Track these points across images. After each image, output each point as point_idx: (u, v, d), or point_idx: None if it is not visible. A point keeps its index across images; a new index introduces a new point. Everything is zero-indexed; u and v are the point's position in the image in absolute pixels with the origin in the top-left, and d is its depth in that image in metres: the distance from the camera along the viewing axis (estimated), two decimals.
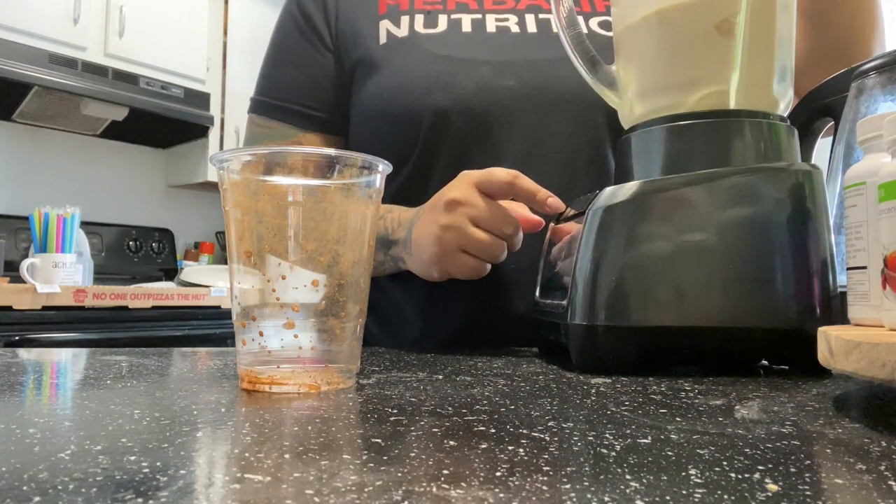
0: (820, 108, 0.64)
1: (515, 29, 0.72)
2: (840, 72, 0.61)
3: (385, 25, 0.72)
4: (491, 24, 0.72)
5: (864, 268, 0.38)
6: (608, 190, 0.47)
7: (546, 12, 0.74)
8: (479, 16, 0.72)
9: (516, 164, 0.67)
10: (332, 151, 0.37)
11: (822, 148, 0.66)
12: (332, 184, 0.37)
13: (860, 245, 0.38)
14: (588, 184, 0.68)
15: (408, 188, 0.70)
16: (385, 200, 0.68)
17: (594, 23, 0.73)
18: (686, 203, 0.45)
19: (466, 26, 0.71)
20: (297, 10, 0.77)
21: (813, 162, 0.59)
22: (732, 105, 0.49)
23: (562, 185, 0.65)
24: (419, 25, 0.71)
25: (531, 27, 0.73)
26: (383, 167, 0.39)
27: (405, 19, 0.72)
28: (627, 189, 0.46)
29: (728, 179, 0.45)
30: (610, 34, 0.72)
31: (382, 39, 0.71)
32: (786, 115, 0.51)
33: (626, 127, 0.53)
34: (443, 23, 0.71)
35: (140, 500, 0.17)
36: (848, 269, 0.40)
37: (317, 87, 0.75)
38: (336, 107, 0.75)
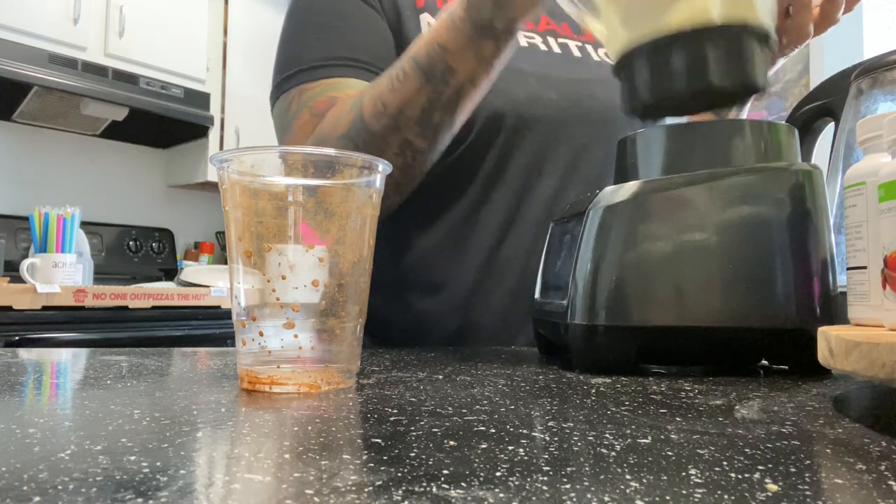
0: (820, 108, 0.64)
1: (543, 48, 0.76)
2: (840, 71, 0.61)
3: (426, 19, 0.73)
4: (522, 39, 0.75)
5: (864, 268, 0.38)
6: (608, 190, 0.47)
7: (563, 37, 0.79)
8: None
9: (562, 170, 0.71)
10: (331, 151, 0.37)
11: (822, 148, 0.66)
12: (332, 184, 0.37)
13: (860, 245, 0.38)
14: None
15: (453, 177, 0.71)
16: (432, 181, 0.66)
17: (601, 52, 0.78)
18: (686, 203, 0.45)
19: None
20: None
21: (813, 162, 0.59)
22: (715, 17, 0.45)
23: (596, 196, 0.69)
24: None
25: (556, 48, 0.77)
26: (383, 167, 0.39)
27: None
28: (627, 189, 0.46)
29: (728, 179, 0.45)
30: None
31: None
32: (770, 28, 0.48)
33: (613, 58, 0.51)
34: None
35: (140, 500, 0.17)
36: (848, 269, 0.40)
37: (384, 46, 0.71)
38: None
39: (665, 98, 0.47)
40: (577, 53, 0.77)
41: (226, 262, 2.17)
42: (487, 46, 0.56)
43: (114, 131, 2.54)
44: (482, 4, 0.54)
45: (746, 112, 0.77)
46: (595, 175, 0.72)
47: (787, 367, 0.47)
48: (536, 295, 0.57)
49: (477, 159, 0.71)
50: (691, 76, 0.46)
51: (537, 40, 0.77)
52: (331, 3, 0.72)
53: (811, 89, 0.66)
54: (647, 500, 0.18)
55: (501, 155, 0.70)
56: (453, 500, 0.18)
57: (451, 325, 0.72)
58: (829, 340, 0.34)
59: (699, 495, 0.18)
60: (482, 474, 0.20)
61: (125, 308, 1.83)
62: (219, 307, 2.03)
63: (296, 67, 0.70)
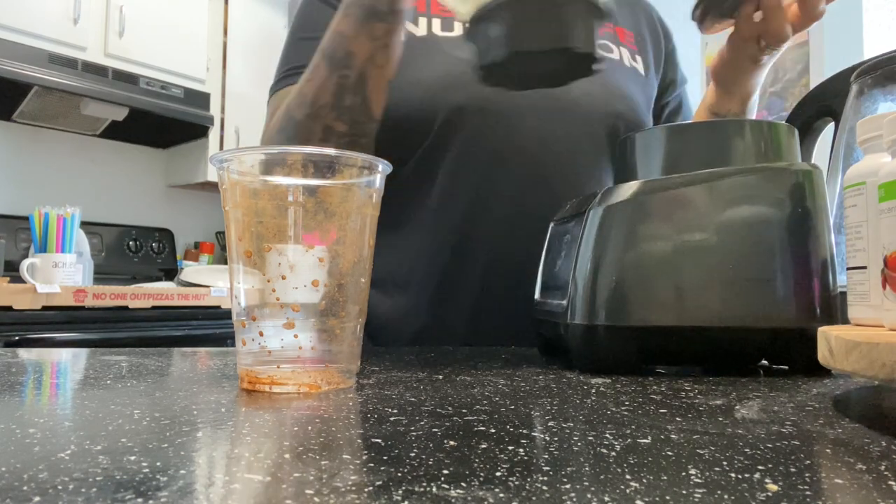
0: (820, 108, 0.64)
1: None
2: (840, 71, 0.61)
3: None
4: None
5: (864, 268, 0.38)
6: (608, 190, 0.47)
7: None
8: None
9: (523, 160, 0.71)
10: (331, 151, 0.37)
11: (822, 148, 0.66)
12: (332, 184, 0.37)
13: (860, 245, 0.38)
14: (588, 189, 0.71)
15: (417, 174, 0.73)
16: (392, 186, 0.67)
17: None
18: (686, 203, 0.45)
19: None
20: None
21: (813, 162, 0.59)
22: None
23: (564, 186, 0.70)
24: (436, 28, 0.75)
25: None
26: (383, 167, 0.39)
27: (423, 20, 0.75)
28: (627, 189, 0.46)
29: (728, 179, 0.45)
30: (609, 55, 0.78)
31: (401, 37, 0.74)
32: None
33: (465, 21, 0.51)
34: (458, 28, 0.75)
35: (140, 500, 0.17)
36: (848, 269, 0.40)
37: None
38: None
39: (500, 62, 0.48)
40: None
41: (226, 262, 2.17)
42: (378, 27, 0.60)
43: (114, 131, 2.54)
44: None
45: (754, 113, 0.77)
46: (561, 166, 0.72)
47: (787, 367, 0.47)
48: (536, 295, 0.58)
49: (439, 155, 0.72)
50: (514, 39, 0.47)
51: None
52: (316, 16, 0.76)
53: (811, 89, 0.66)
54: (647, 500, 0.18)
55: (464, 150, 0.71)
56: (453, 500, 0.18)
57: (418, 322, 0.72)
58: (829, 340, 0.34)
59: (699, 495, 0.18)
60: (482, 474, 0.20)
61: (125, 308, 1.83)
62: (219, 307, 2.03)
63: (280, 75, 0.76)
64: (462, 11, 0.49)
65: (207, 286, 2.06)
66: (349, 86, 0.61)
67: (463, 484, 0.19)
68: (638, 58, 0.82)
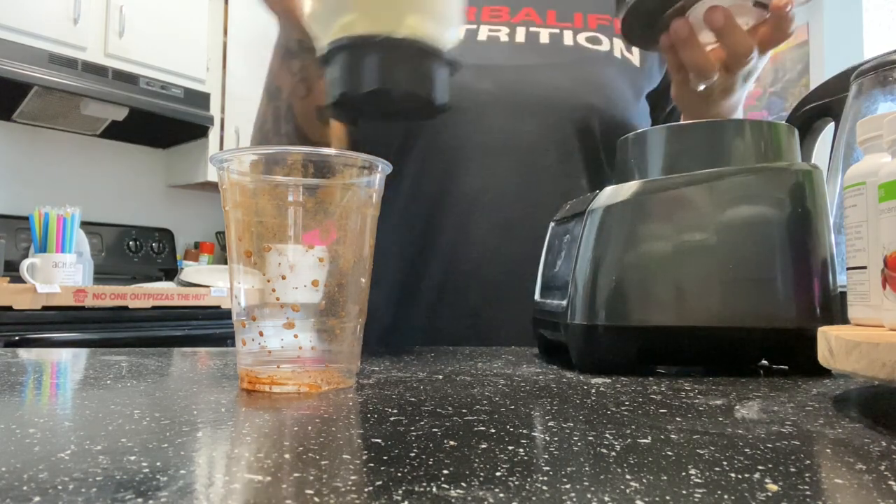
0: (820, 108, 0.64)
1: (505, 39, 0.77)
2: (840, 72, 0.61)
3: None
4: (483, 33, 0.77)
5: (864, 268, 0.38)
6: (608, 190, 0.47)
7: (537, 26, 0.79)
8: (474, 27, 0.77)
9: (484, 157, 0.71)
10: (332, 151, 0.37)
11: (822, 148, 0.66)
12: (332, 184, 0.37)
13: (860, 245, 0.38)
14: (553, 185, 0.71)
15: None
16: None
17: (582, 38, 0.78)
18: (686, 203, 0.45)
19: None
20: None
21: (813, 162, 0.59)
22: (363, 30, 0.48)
23: (528, 184, 0.70)
24: None
25: (520, 38, 0.77)
26: (383, 167, 0.39)
27: None
28: (627, 189, 0.46)
29: (728, 179, 0.45)
30: (596, 48, 0.77)
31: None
32: (435, 45, 0.51)
33: (320, 51, 0.53)
34: None
35: (140, 500, 0.17)
36: (848, 269, 0.40)
37: None
38: None
39: (346, 98, 0.51)
40: (543, 40, 0.77)
41: (226, 262, 2.17)
42: (293, 64, 0.66)
43: (114, 131, 2.54)
44: (280, 31, 0.65)
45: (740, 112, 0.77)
46: (522, 163, 0.72)
47: (787, 367, 0.47)
48: (536, 295, 0.58)
49: (406, 155, 0.73)
50: (345, 81, 0.50)
51: (502, 32, 0.77)
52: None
53: (811, 89, 0.66)
54: (647, 500, 0.18)
55: (427, 149, 0.72)
56: (453, 500, 0.18)
57: (385, 320, 0.73)
58: (829, 340, 0.34)
59: (699, 495, 0.18)
60: (482, 474, 0.20)
61: (125, 308, 1.83)
62: (219, 307, 2.03)
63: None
64: (324, 43, 0.51)
65: (207, 286, 2.06)
66: (282, 115, 0.68)
67: (463, 484, 0.19)
68: (634, 49, 0.81)
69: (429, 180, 0.72)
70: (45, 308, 1.69)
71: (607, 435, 0.26)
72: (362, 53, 0.49)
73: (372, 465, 0.21)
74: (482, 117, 0.71)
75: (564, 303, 0.47)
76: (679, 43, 0.57)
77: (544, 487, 0.19)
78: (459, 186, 0.71)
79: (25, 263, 1.74)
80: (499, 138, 0.72)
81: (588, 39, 0.77)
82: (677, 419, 0.29)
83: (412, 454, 0.22)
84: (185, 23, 2.49)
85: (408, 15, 0.48)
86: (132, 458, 0.22)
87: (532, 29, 0.78)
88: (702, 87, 0.61)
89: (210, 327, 1.99)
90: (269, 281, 0.37)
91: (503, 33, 0.77)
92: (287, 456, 0.22)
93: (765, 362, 0.49)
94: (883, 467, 0.21)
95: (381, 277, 0.74)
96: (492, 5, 0.79)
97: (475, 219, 0.70)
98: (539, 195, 0.70)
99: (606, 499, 0.18)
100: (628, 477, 0.20)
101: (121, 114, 2.35)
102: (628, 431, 0.26)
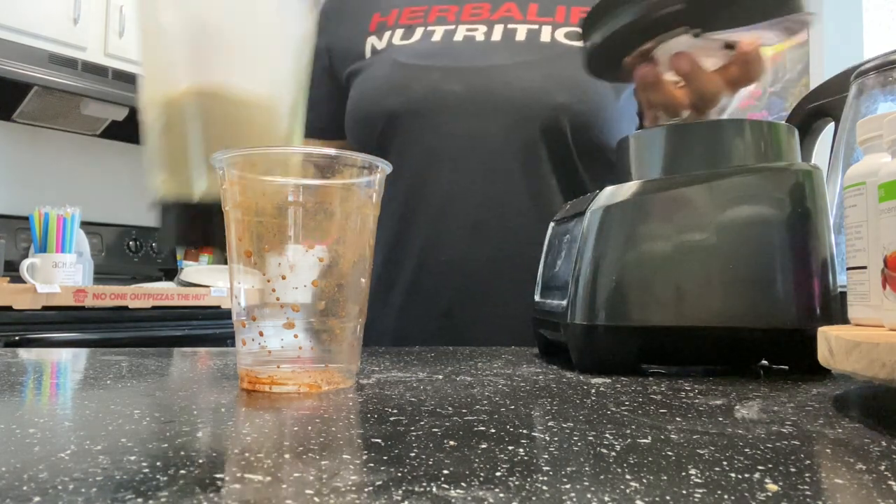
0: (820, 108, 0.64)
1: (481, 38, 0.77)
2: (840, 72, 0.61)
3: (371, 41, 0.78)
4: (460, 34, 0.77)
5: (864, 268, 0.38)
6: (608, 190, 0.47)
7: (516, 22, 0.78)
8: (452, 27, 0.77)
9: (452, 162, 0.71)
10: (332, 151, 0.37)
11: (822, 148, 0.66)
12: (332, 184, 0.37)
13: (860, 245, 0.38)
14: (520, 186, 0.72)
15: None
16: None
17: (560, 33, 0.77)
18: (686, 203, 0.45)
19: (437, 36, 0.76)
20: None
21: (813, 162, 0.59)
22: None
23: (495, 186, 0.71)
24: (397, 38, 0.76)
25: (496, 36, 0.77)
26: (383, 167, 0.39)
27: (388, 34, 0.77)
28: (627, 189, 0.46)
29: (728, 179, 0.45)
30: (572, 43, 0.75)
31: (368, 54, 0.78)
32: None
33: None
34: (418, 34, 0.76)
35: (140, 500, 0.17)
36: (848, 269, 0.40)
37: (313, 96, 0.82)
38: (329, 115, 0.81)
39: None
40: (519, 37, 0.76)
41: (226, 262, 2.17)
42: None
43: (114, 131, 2.54)
44: None
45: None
46: (488, 165, 0.71)
47: (787, 367, 0.47)
48: (536, 295, 0.58)
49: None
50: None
51: (479, 31, 0.77)
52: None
53: (811, 89, 0.66)
54: (647, 500, 0.18)
55: (399, 154, 0.72)
56: (453, 500, 0.18)
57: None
58: (829, 340, 0.34)
59: (699, 495, 0.18)
60: (482, 474, 0.20)
61: (125, 308, 1.83)
62: (219, 307, 2.02)
63: None
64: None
65: (207, 286, 2.06)
66: None
67: (463, 484, 0.19)
68: None
69: (401, 184, 0.73)
70: (45, 308, 1.68)
71: (607, 435, 0.26)
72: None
73: (372, 465, 0.21)
74: (451, 120, 0.72)
75: (564, 303, 0.47)
76: (646, 86, 0.57)
77: (544, 487, 0.19)
78: (429, 189, 0.72)
79: (25, 263, 1.74)
80: (467, 141, 0.72)
81: (567, 35, 0.77)
82: (677, 419, 0.29)
83: (412, 454, 0.22)
84: None
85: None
86: (132, 458, 0.22)
87: (510, 26, 0.78)
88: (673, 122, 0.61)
89: (210, 327, 1.99)
90: (269, 281, 0.37)
91: (480, 32, 0.77)
92: (287, 456, 0.22)
93: (765, 362, 0.49)
94: (883, 467, 0.21)
95: None
96: (474, 2, 0.78)
97: (445, 222, 0.71)
98: (506, 197, 0.71)
99: (606, 499, 0.18)
100: (628, 477, 0.20)
101: (121, 114, 2.34)
102: (628, 431, 0.26)
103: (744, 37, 0.53)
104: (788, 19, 0.51)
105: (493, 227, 0.70)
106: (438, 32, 0.76)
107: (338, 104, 0.80)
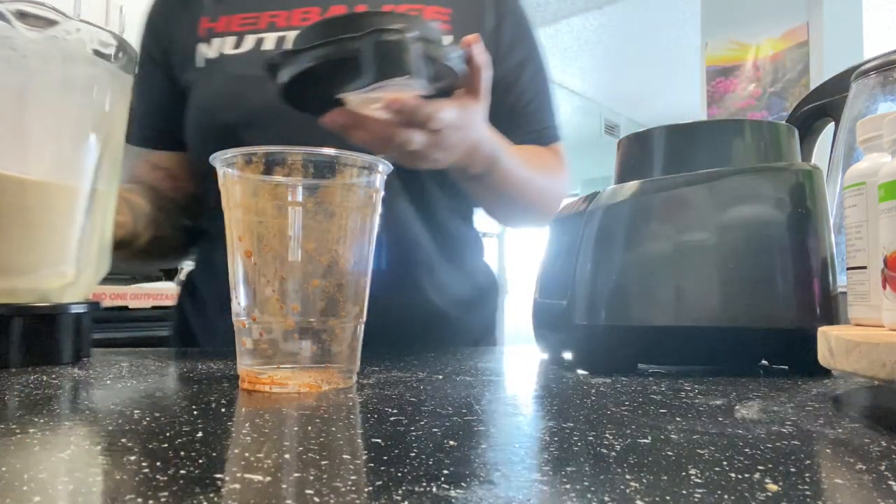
0: (820, 108, 0.64)
1: None
2: (840, 72, 0.61)
3: (201, 49, 0.76)
4: (289, 41, 0.75)
5: (864, 268, 0.38)
6: (608, 190, 0.47)
7: None
8: (284, 34, 0.75)
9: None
10: (332, 151, 0.37)
11: (822, 148, 0.66)
12: (332, 184, 0.37)
13: (860, 245, 0.38)
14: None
15: (207, 193, 0.74)
16: (203, 204, 0.75)
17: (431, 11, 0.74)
18: (686, 203, 0.45)
19: (269, 45, 0.74)
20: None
21: (813, 162, 0.59)
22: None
23: None
24: (227, 48, 0.74)
25: None
26: (383, 167, 0.39)
27: (217, 41, 0.75)
28: (627, 189, 0.46)
29: (728, 179, 0.45)
30: None
31: (199, 63, 0.76)
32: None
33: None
34: (249, 43, 0.74)
35: (140, 500, 0.17)
36: (848, 269, 0.40)
37: (152, 104, 0.80)
38: (170, 122, 0.78)
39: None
40: None
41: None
42: None
43: None
44: None
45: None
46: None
47: (787, 367, 0.47)
48: (536, 295, 0.58)
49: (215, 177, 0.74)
50: None
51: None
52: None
53: (811, 89, 0.66)
54: (647, 500, 0.18)
55: None
56: (453, 500, 0.18)
57: (219, 331, 0.74)
58: (829, 340, 0.34)
59: (699, 495, 0.18)
60: (482, 474, 0.20)
61: (125, 308, 1.83)
62: None
63: None
64: None
65: None
66: None
67: (463, 484, 0.19)
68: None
69: None
70: None
71: (607, 435, 0.26)
72: None
73: (372, 465, 0.21)
74: (290, 133, 0.69)
75: (564, 303, 0.47)
76: (343, 132, 0.55)
77: (544, 487, 0.19)
78: None
79: None
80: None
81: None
82: (677, 419, 0.29)
83: (412, 454, 0.22)
84: None
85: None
86: (132, 458, 0.22)
87: None
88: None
89: None
90: (269, 281, 0.37)
91: None
92: (287, 456, 0.22)
93: (765, 362, 0.49)
94: (883, 467, 0.21)
95: (206, 298, 0.76)
96: (303, 7, 0.76)
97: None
98: None
99: (606, 499, 0.18)
100: (628, 477, 0.20)
101: None
102: (628, 431, 0.26)
103: (386, 94, 0.52)
104: (400, 81, 0.50)
105: None
106: (270, 40, 0.74)
107: (176, 112, 0.77)
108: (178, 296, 0.84)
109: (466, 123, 0.57)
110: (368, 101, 0.53)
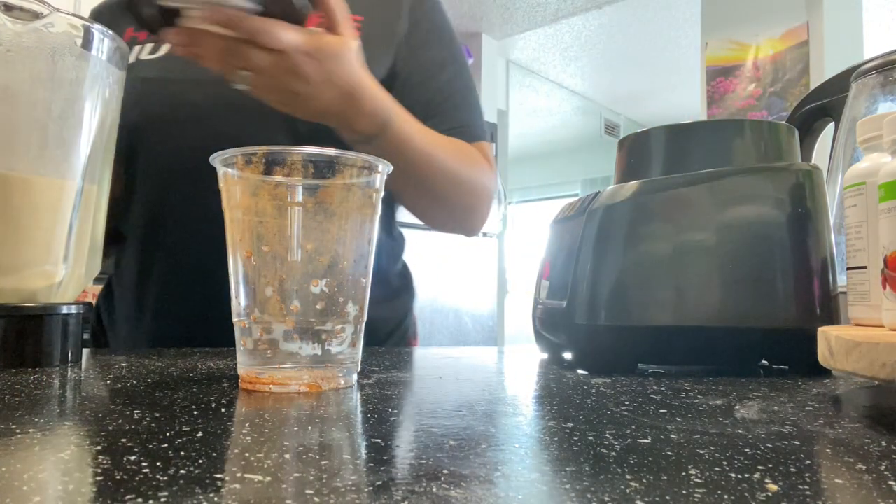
0: (820, 108, 0.64)
1: None
2: (840, 72, 0.61)
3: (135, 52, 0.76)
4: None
5: (864, 268, 0.38)
6: (608, 190, 0.47)
7: None
8: None
9: (194, 171, 0.62)
10: (332, 151, 0.37)
11: (822, 148, 0.66)
12: (332, 184, 0.37)
13: (860, 245, 0.38)
14: None
15: (127, 192, 0.75)
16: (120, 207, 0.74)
17: None
18: (686, 203, 0.45)
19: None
20: None
21: (813, 162, 0.59)
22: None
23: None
24: (145, 53, 0.75)
25: None
26: (383, 167, 0.39)
27: (137, 49, 0.76)
28: (627, 189, 0.46)
29: (728, 179, 0.45)
30: None
31: None
32: None
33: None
34: (164, 48, 0.75)
35: (140, 500, 0.17)
36: (848, 269, 0.40)
37: None
38: None
39: None
40: None
41: None
42: None
43: None
44: None
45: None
46: (195, 175, 0.63)
47: (787, 367, 0.47)
48: (536, 295, 0.58)
49: (132, 173, 0.73)
50: None
51: None
52: None
53: (811, 89, 0.66)
54: (647, 500, 0.18)
55: (145, 167, 0.73)
56: (453, 500, 0.18)
57: (141, 329, 0.75)
58: (829, 340, 0.34)
59: (699, 495, 0.18)
60: (482, 474, 0.20)
61: None
62: None
63: None
64: None
65: None
66: None
67: (463, 484, 0.19)
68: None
69: (149, 196, 0.73)
70: None
71: (607, 435, 0.26)
72: None
73: (372, 465, 0.21)
74: (189, 130, 0.71)
75: (565, 303, 0.47)
76: (188, 54, 0.54)
77: (544, 487, 0.19)
78: (174, 200, 0.72)
79: None
80: (203, 151, 0.68)
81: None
82: (677, 419, 0.29)
83: (412, 454, 0.22)
84: None
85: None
86: (132, 458, 0.22)
87: None
88: (242, 88, 0.57)
89: None
90: (269, 281, 0.37)
91: None
92: (287, 456, 0.22)
93: (765, 362, 0.49)
94: (883, 467, 0.21)
95: (126, 310, 0.77)
96: None
97: (189, 230, 0.70)
98: None
99: (606, 499, 0.18)
100: (628, 477, 0.20)
101: None
102: (628, 431, 0.26)
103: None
104: None
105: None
106: None
107: None
108: (97, 294, 0.85)
109: (325, 55, 0.55)
110: (190, 8, 0.51)
